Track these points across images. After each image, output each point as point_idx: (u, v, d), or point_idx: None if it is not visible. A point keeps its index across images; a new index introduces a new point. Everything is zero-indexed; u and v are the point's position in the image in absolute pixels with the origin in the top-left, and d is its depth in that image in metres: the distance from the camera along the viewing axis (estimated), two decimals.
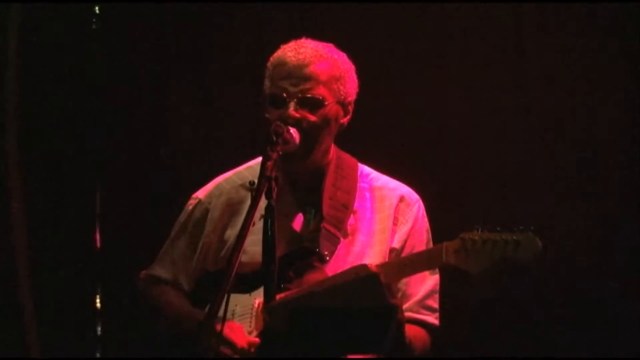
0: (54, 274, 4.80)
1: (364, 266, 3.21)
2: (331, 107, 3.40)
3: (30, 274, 4.67)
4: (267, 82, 3.44)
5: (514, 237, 3.08)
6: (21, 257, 4.65)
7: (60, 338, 4.78)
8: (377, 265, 3.22)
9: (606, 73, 4.48)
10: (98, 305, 4.88)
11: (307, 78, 3.37)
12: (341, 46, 3.48)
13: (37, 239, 4.75)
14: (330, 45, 3.47)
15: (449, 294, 3.59)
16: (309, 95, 3.37)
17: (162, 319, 3.57)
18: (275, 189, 3.05)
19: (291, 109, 3.35)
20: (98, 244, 4.90)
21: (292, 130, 3.28)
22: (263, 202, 3.05)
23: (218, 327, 3.03)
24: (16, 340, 4.62)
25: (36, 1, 4.79)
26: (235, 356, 3.23)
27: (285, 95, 3.37)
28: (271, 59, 3.45)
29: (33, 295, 4.67)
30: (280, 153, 3.15)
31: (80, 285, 4.87)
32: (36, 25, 4.80)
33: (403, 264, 3.29)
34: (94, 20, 4.90)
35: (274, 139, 3.17)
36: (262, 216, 3.06)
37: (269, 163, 3.07)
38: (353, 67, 3.49)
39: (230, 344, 3.23)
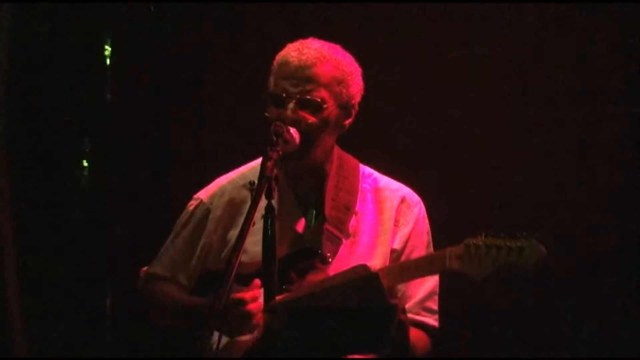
0: (44, 273, 4.79)
1: (364, 266, 3.22)
2: (331, 109, 3.39)
3: (18, 274, 4.65)
4: (270, 80, 3.44)
5: (518, 244, 3.10)
6: (9, 257, 4.63)
7: (54, 338, 4.77)
8: (379, 269, 3.22)
9: (608, 75, 4.50)
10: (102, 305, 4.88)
11: (308, 80, 3.36)
12: (343, 46, 3.48)
13: (27, 239, 4.73)
14: (336, 47, 3.46)
15: (449, 295, 3.60)
16: (308, 97, 3.36)
17: (162, 314, 3.56)
18: (275, 188, 3.05)
19: (289, 109, 3.34)
20: (95, 244, 4.89)
21: (293, 130, 3.28)
22: (264, 202, 3.05)
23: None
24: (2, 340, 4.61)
25: (26, 0, 4.78)
26: (249, 307, 3.18)
27: (284, 95, 3.37)
28: (276, 56, 3.44)
29: (20, 296, 4.66)
30: (281, 153, 3.15)
31: (77, 284, 4.86)
32: (27, 24, 4.78)
33: (406, 268, 3.30)
34: (87, 19, 4.89)
35: (275, 139, 3.18)
36: (263, 216, 3.07)
37: (269, 163, 3.07)
38: (359, 69, 3.47)
39: (239, 301, 3.19)
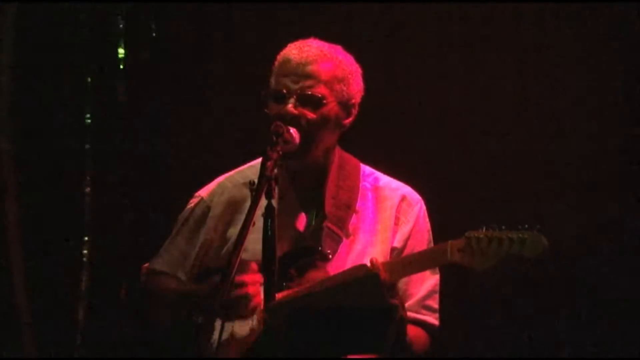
0: (50, 273, 4.80)
1: (364, 266, 3.22)
2: (331, 106, 3.41)
3: (26, 273, 4.67)
4: (272, 79, 3.46)
5: (520, 235, 3.09)
6: (16, 256, 4.65)
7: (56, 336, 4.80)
8: (381, 263, 3.22)
9: (607, 73, 4.49)
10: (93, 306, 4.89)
11: (308, 76, 3.39)
12: (342, 46, 3.50)
13: (32, 238, 4.74)
14: (337, 47, 3.48)
15: (449, 294, 3.60)
16: (309, 93, 3.38)
17: (162, 304, 3.56)
18: (275, 188, 3.05)
19: (290, 105, 3.37)
20: (97, 244, 4.90)
21: (292, 130, 3.30)
22: (264, 202, 3.05)
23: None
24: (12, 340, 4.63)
25: (32, 0, 4.78)
26: (248, 289, 3.21)
27: (285, 91, 3.39)
28: (278, 56, 3.47)
29: (28, 294, 4.67)
30: (281, 153, 3.15)
31: (78, 284, 4.88)
32: (32, 24, 4.79)
33: (408, 262, 3.30)
34: (90, 18, 4.90)
35: (274, 139, 3.18)
36: (263, 215, 3.05)
37: (269, 163, 3.07)
38: (359, 69, 3.50)
39: (239, 284, 3.21)
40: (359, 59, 3.50)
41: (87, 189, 4.89)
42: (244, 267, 3.27)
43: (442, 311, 3.52)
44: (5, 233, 4.64)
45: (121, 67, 4.92)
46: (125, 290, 4.72)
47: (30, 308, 4.65)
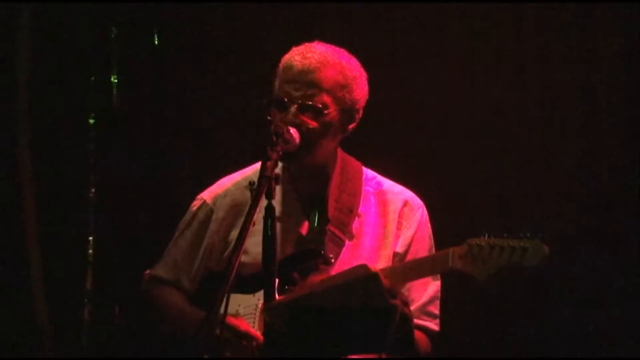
0: (55, 272, 4.83)
1: (364, 266, 3.20)
2: (333, 115, 3.40)
3: (43, 282, 4.70)
4: (275, 83, 3.46)
5: (521, 244, 3.07)
6: (35, 263, 4.68)
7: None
8: (381, 269, 3.20)
9: (607, 75, 4.49)
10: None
11: (310, 84, 3.37)
12: (346, 48, 3.49)
13: (48, 243, 4.79)
14: (341, 51, 3.46)
15: (450, 299, 3.61)
16: (310, 103, 3.37)
17: (162, 320, 3.59)
18: (276, 188, 3.06)
19: (291, 113, 3.35)
20: (103, 246, 4.94)
21: (292, 130, 3.29)
22: (264, 203, 3.06)
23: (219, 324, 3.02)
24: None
25: (47, 2, 4.81)
26: (242, 342, 3.24)
27: (287, 99, 3.38)
28: (282, 59, 3.46)
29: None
30: (281, 153, 3.17)
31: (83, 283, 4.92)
32: (48, 30, 4.83)
33: (409, 268, 3.29)
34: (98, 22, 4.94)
35: (274, 139, 3.19)
36: (263, 217, 3.08)
37: (269, 163, 3.08)
38: (364, 74, 3.48)
39: (233, 329, 3.24)
40: (361, 62, 3.49)
41: (92, 190, 4.95)
42: (246, 282, 3.33)
43: (443, 312, 3.54)
44: (25, 235, 4.67)
45: (122, 67, 4.98)
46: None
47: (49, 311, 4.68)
